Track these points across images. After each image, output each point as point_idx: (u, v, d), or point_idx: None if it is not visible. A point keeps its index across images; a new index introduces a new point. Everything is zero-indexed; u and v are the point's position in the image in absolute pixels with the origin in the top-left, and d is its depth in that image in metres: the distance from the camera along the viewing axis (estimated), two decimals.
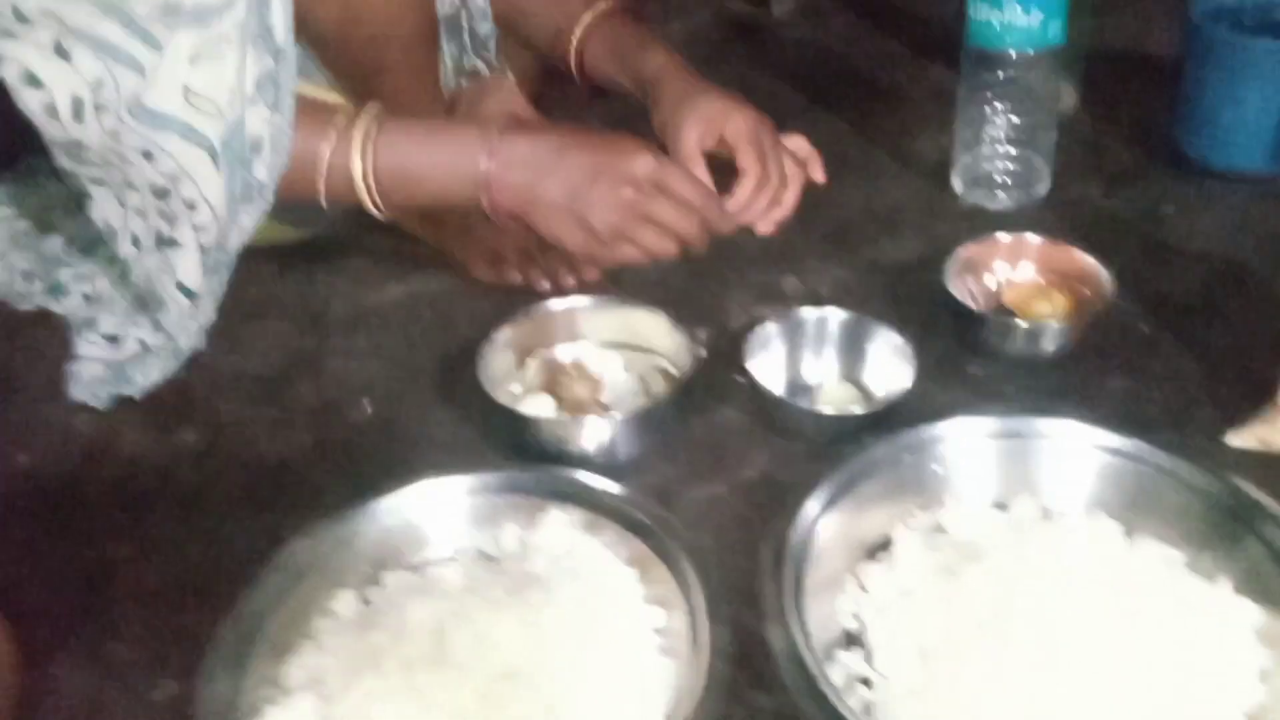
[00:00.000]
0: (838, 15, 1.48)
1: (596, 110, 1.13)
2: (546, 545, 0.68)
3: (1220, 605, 0.61)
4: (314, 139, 0.74)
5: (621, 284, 0.93)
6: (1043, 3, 0.94)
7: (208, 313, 0.77)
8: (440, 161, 0.76)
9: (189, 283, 0.73)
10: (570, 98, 1.15)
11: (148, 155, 0.67)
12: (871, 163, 1.15)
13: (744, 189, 0.91)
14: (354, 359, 0.91)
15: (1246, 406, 0.75)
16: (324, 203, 0.76)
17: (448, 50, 1.02)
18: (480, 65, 1.05)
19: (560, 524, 0.69)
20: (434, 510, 0.70)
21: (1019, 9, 0.95)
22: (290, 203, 0.75)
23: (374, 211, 0.77)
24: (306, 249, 1.02)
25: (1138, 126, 1.13)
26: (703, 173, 0.90)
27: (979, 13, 0.97)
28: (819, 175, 0.96)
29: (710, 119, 0.90)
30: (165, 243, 0.71)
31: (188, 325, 0.77)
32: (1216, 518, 0.65)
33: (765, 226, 0.93)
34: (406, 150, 0.75)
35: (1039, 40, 0.96)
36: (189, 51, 0.66)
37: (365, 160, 0.74)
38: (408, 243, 1.01)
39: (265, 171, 0.71)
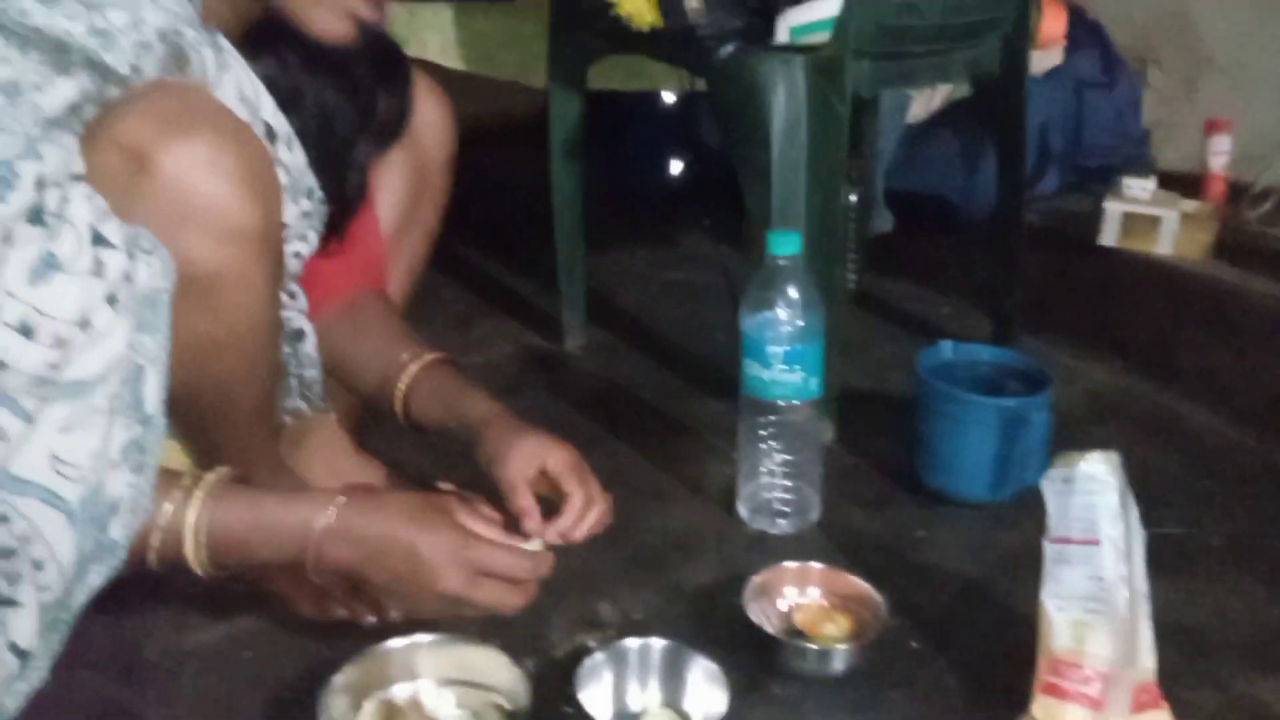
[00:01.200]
0: (625, 351, 1.66)
1: (414, 441, 1.21)
2: None
3: None
4: (157, 500, 0.77)
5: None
6: (803, 363, 1.13)
7: (40, 673, 0.75)
8: (272, 533, 0.81)
9: (23, 643, 0.72)
10: (389, 430, 1.22)
11: (3, 519, 0.68)
12: (665, 489, 1.28)
13: (571, 511, 0.98)
14: (172, 709, 0.89)
15: (1003, 715, 0.87)
16: (153, 561, 0.79)
17: None
18: (303, 406, 1.11)
19: None
20: None
21: (784, 368, 1.13)
22: None
23: (198, 572, 0.80)
24: (112, 589, 1.00)
25: (886, 458, 1.33)
26: (529, 500, 0.97)
27: (751, 369, 1.15)
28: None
29: (534, 454, 0.99)
30: (2, 602, 0.71)
31: (15, 688, 0.74)
32: None
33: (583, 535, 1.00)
34: (240, 520, 0.80)
35: (801, 393, 1.14)
36: (61, 423, 0.69)
37: (200, 526, 0.78)
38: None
39: (120, 532, 0.73)
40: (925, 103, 2.01)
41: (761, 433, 1.18)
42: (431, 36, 1.60)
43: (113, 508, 0.72)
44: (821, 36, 1.25)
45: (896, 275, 1.88)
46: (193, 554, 0.78)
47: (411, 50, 1.59)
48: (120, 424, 0.72)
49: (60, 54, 0.73)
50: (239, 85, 0.85)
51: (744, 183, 1.31)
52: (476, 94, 1.73)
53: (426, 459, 1.27)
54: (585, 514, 1.00)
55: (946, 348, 1.30)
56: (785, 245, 1.12)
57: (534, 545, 0.89)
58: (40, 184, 0.70)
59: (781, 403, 1.15)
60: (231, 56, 0.86)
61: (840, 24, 1.24)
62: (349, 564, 0.82)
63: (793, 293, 1.13)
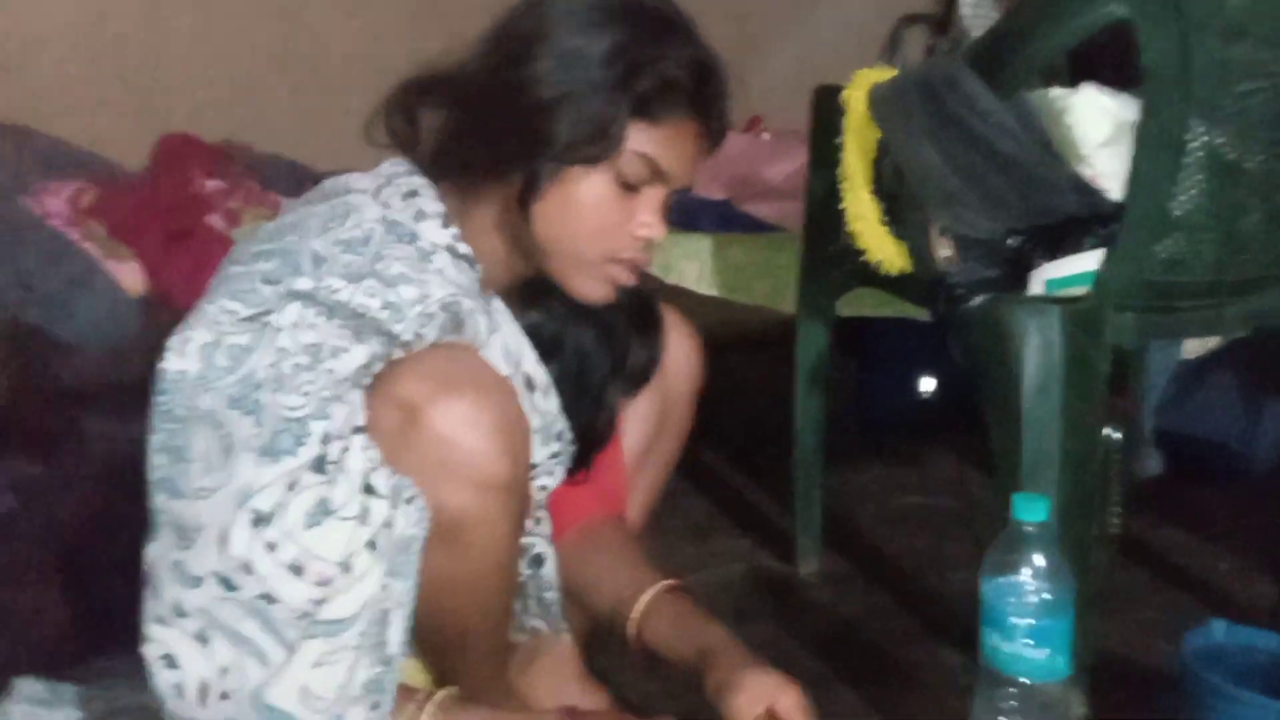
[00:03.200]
0: (859, 581, 1.62)
1: (641, 669, 1.22)
2: None
3: None
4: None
5: None
6: (1050, 640, 1.05)
7: None
8: None
9: None
10: (618, 655, 1.24)
11: None
12: None
13: None
14: None
15: None
16: None
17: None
18: (540, 625, 1.15)
19: None
20: None
21: (1027, 643, 1.05)
22: None
23: None
24: None
25: None
26: None
27: (991, 639, 1.08)
28: None
29: (767, 691, 0.97)
30: None
31: None
32: None
33: None
34: None
35: (1047, 673, 1.06)
36: (315, 658, 0.76)
37: None
38: None
39: None
40: (1201, 339, 1.89)
41: (1000, 706, 1.10)
42: (689, 265, 1.69)
43: None
44: (1079, 290, 1.22)
45: (1166, 523, 1.74)
46: None
47: (670, 278, 1.71)
48: (364, 662, 0.78)
49: (358, 322, 0.84)
50: (505, 343, 0.93)
51: (992, 433, 1.27)
52: (725, 302, 1.80)
53: (652, 688, 1.28)
54: None
55: (1218, 628, 1.18)
56: (1033, 511, 1.07)
57: None
58: (326, 438, 0.79)
59: (1025, 680, 1.07)
60: (502, 316, 0.95)
61: (1099, 278, 1.21)
62: None
63: (1040, 561, 1.06)
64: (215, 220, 1.62)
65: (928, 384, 2.21)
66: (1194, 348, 1.91)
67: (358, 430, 0.83)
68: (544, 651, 1.18)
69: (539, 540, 1.09)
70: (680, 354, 1.21)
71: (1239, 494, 1.81)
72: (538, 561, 1.10)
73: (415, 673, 0.97)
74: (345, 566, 0.77)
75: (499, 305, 0.96)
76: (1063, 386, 1.21)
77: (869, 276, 1.39)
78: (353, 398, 0.83)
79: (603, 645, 1.26)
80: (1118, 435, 1.67)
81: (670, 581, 1.11)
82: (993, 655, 1.08)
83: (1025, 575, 1.06)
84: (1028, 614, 1.05)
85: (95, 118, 1.97)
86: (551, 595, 1.13)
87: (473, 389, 0.87)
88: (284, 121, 2.11)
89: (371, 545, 0.79)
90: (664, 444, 1.25)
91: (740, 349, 2.27)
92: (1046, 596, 1.05)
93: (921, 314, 1.91)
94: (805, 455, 1.62)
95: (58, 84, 2.08)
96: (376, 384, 0.86)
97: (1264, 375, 1.80)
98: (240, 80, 2.23)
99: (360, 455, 0.81)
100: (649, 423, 1.22)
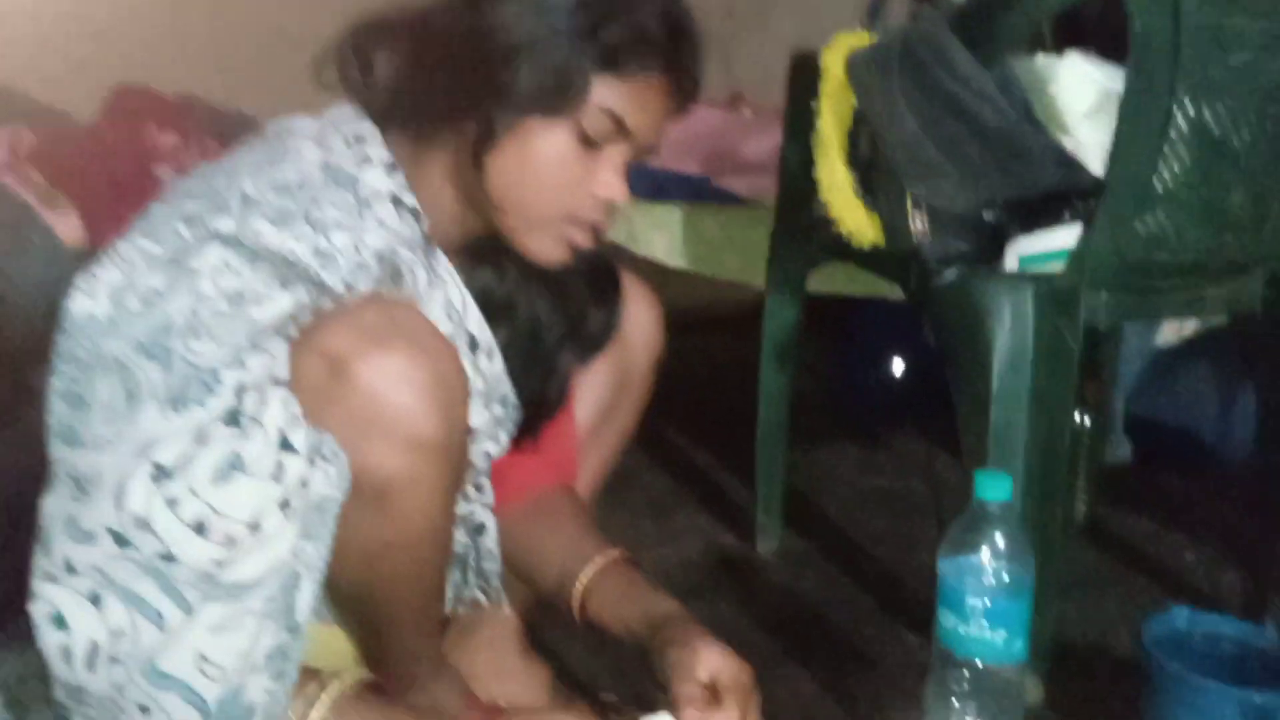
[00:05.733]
0: (818, 562, 1.58)
1: (586, 646, 1.18)
2: None
3: None
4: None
5: None
6: (1007, 622, 1.02)
7: None
8: None
9: None
10: (563, 630, 1.20)
11: (144, 709, 0.70)
12: None
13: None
14: None
15: None
16: None
17: (449, 580, 1.08)
18: (479, 595, 1.10)
19: None
20: None
21: (984, 624, 1.02)
22: None
23: None
24: None
25: None
26: (697, 690, 0.91)
27: (946, 620, 1.04)
28: None
29: (715, 660, 0.93)
30: None
31: None
32: None
33: None
34: None
35: (1002, 656, 1.02)
36: (215, 622, 0.71)
37: None
38: None
39: None
40: (1177, 326, 1.86)
41: (954, 688, 1.06)
42: (658, 236, 1.64)
43: (249, 711, 0.73)
44: (1055, 266, 1.18)
45: (1133, 511, 1.70)
46: None
47: (638, 248, 1.66)
48: (269, 629, 0.73)
49: (285, 269, 0.78)
50: (447, 299, 0.88)
51: (959, 411, 1.23)
52: (694, 278, 1.75)
53: (597, 665, 1.23)
54: None
55: (1180, 615, 1.15)
56: (996, 490, 1.03)
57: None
58: (241, 390, 0.74)
59: (978, 662, 1.03)
60: (446, 272, 0.90)
61: (1076, 255, 1.16)
62: None
63: (1000, 542, 1.02)
64: (164, 172, 1.55)
65: (900, 366, 2.18)
66: (1170, 334, 1.87)
67: (278, 383, 0.77)
68: (483, 625, 1.14)
69: (479, 508, 1.04)
70: (640, 322, 1.16)
71: (1209, 484, 1.78)
72: (478, 530, 1.05)
73: (336, 642, 0.93)
74: (254, 527, 0.72)
75: (443, 260, 0.91)
76: (1033, 365, 1.17)
77: (842, 250, 1.35)
78: (274, 348, 0.78)
79: (547, 620, 1.22)
80: (1088, 419, 1.64)
81: (619, 552, 1.07)
82: (947, 636, 1.04)
83: (984, 555, 1.02)
84: (985, 595, 1.01)
85: (48, 69, 1.90)
86: (492, 566, 1.08)
87: (406, 343, 0.82)
88: (247, 76, 2.04)
89: (285, 505, 0.73)
90: (619, 416, 1.20)
91: (710, 326, 2.23)
92: (1005, 578, 1.01)
93: (894, 291, 1.88)
94: (768, 432, 1.58)
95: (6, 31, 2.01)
96: (302, 335, 0.81)
97: (1239, 365, 1.76)
98: (204, 35, 2.16)
99: (279, 409, 0.75)
100: (604, 393, 1.17)
